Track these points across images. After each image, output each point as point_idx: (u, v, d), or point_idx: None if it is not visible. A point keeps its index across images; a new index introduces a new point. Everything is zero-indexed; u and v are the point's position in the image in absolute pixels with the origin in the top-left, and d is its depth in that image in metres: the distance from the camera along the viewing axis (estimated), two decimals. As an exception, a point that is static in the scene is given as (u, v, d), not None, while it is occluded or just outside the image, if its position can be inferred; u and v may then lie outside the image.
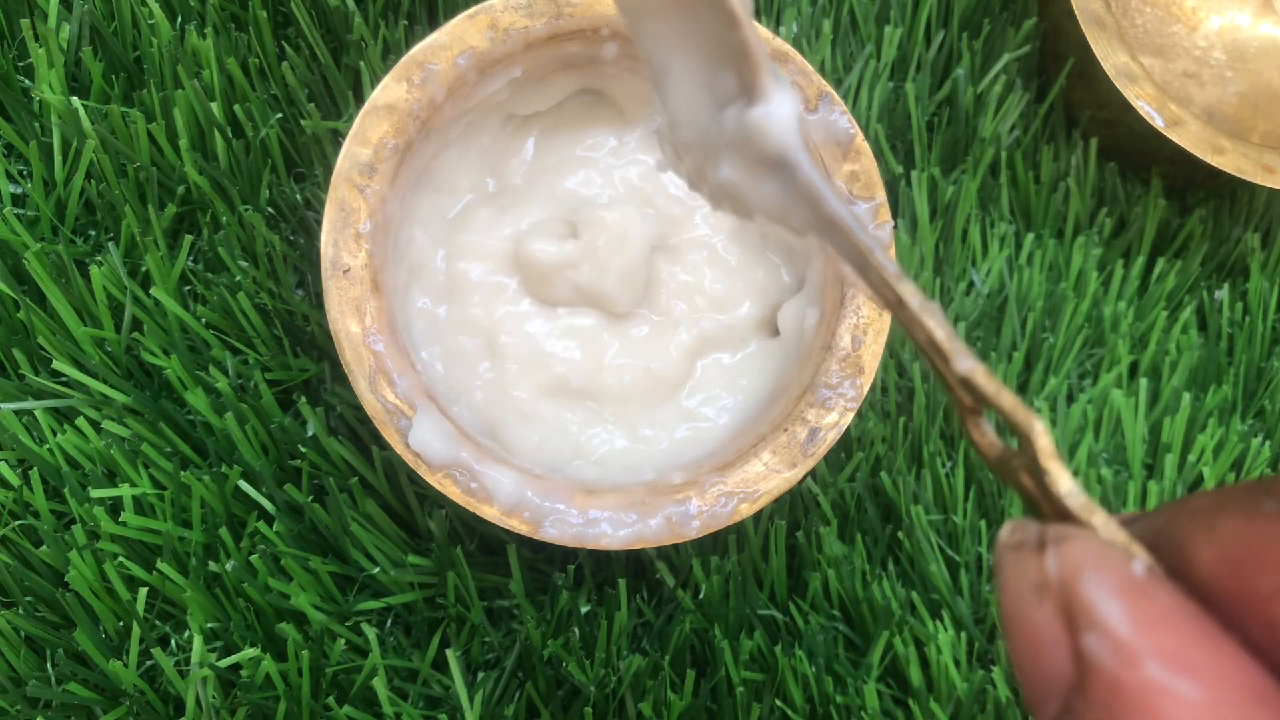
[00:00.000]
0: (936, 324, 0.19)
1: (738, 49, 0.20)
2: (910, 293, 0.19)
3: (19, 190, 0.37)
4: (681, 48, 0.22)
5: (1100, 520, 0.17)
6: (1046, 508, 0.18)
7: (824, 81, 0.34)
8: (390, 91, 0.31)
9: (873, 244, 0.19)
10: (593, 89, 0.37)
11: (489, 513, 0.31)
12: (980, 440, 0.20)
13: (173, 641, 0.35)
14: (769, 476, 0.32)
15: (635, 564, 0.37)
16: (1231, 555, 0.16)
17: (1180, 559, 0.16)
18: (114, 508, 0.35)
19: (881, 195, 0.34)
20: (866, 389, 0.33)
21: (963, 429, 0.20)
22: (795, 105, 0.20)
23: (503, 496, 0.31)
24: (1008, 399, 0.18)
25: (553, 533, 0.31)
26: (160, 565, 0.34)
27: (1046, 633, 0.16)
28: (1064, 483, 0.18)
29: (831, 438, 0.32)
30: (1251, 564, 0.15)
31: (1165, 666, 0.15)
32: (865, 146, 0.34)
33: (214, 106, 0.37)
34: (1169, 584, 0.16)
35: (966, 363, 0.19)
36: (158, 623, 0.35)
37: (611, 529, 0.31)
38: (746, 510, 0.32)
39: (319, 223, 0.38)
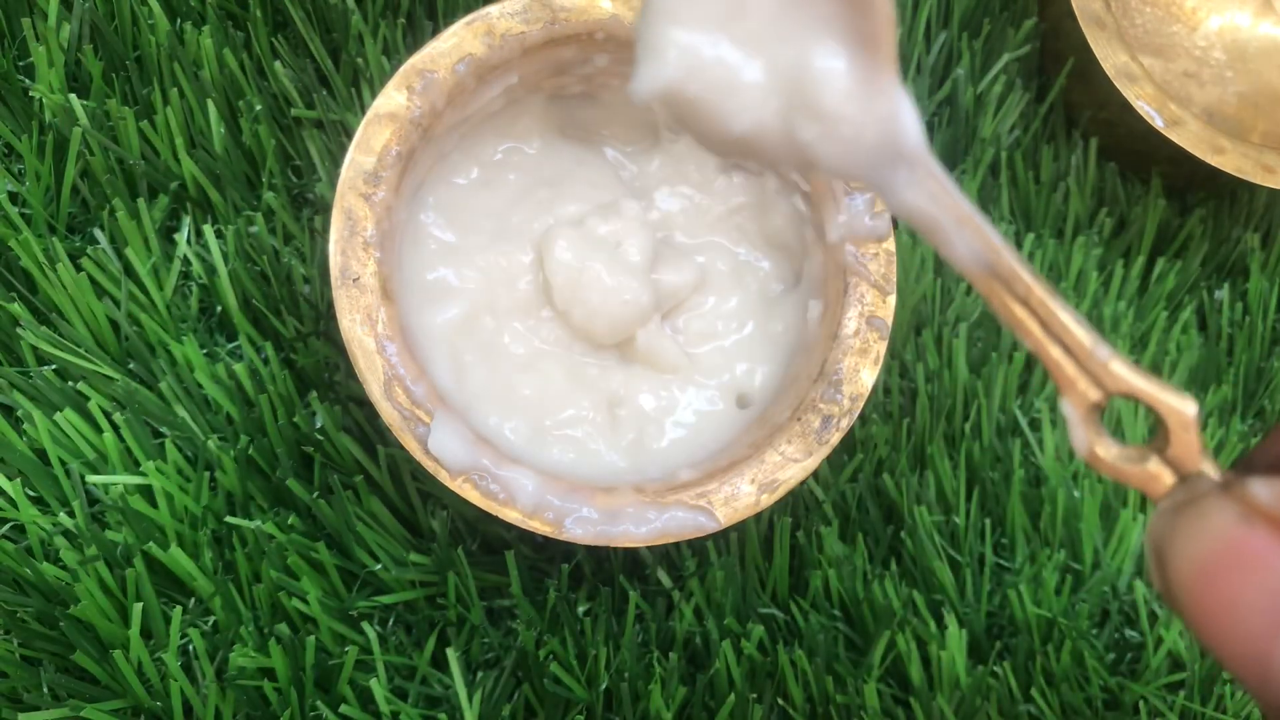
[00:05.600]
0: (1070, 318, 0.21)
1: (867, 33, 0.20)
2: (1040, 287, 0.21)
3: (16, 190, 0.37)
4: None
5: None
6: (1176, 489, 0.20)
7: None
8: (391, 100, 0.31)
9: (1002, 241, 0.21)
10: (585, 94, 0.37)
11: (511, 515, 0.30)
12: (1096, 441, 0.21)
13: (171, 633, 0.35)
14: (786, 465, 0.32)
15: (634, 563, 0.37)
16: None
17: None
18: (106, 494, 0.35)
19: None
20: (877, 374, 0.33)
21: (1076, 434, 0.21)
22: (914, 108, 0.21)
23: (524, 499, 0.30)
24: (1150, 384, 0.20)
25: (577, 532, 0.31)
26: (161, 552, 0.34)
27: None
28: (1210, 467, 0.20)
29: (845, 424, 0.33)
30: None
31: None
32: None
33: (211, 103, 0.37)
34: None
35: (1104, 350, 0.20)
36: (161, 607, 0.35)
37: (635, 526, 0.31)
38: (768, 500, 0.32)
39: (319, 222, 0.38)
